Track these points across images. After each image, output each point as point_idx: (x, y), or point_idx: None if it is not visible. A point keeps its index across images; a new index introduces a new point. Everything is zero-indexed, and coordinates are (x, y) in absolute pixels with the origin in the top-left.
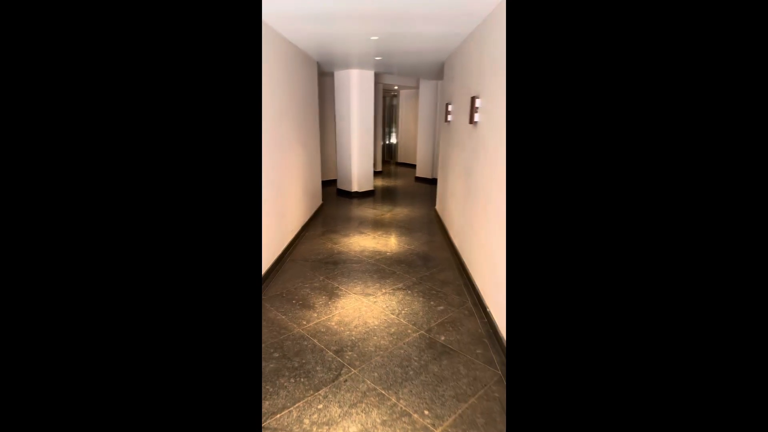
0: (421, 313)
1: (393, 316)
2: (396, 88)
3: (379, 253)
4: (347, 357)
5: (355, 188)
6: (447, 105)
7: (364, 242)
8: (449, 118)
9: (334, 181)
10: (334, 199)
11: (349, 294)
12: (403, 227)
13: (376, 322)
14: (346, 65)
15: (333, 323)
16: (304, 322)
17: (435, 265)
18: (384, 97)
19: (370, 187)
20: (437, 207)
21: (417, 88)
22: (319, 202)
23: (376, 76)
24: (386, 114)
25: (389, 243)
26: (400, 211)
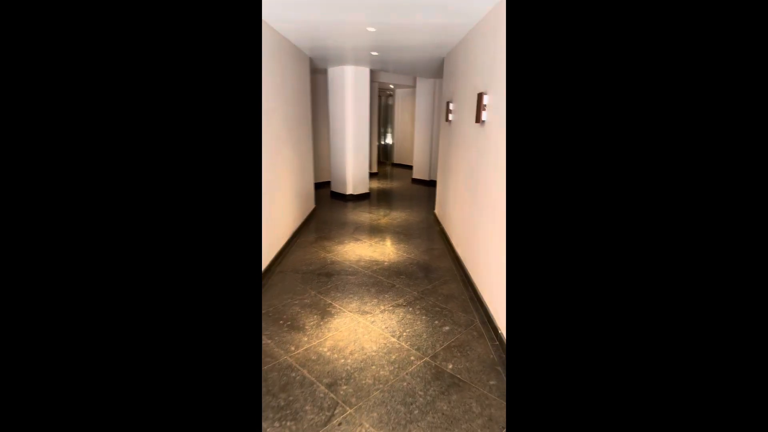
0: (424, 335)
1: (393, 339)
2: (392, 86)
3: (377, 262)
4: (342, 392)
5: (349, 191)
6: (448, 103)
7: (359, 250)
8: (450, 117)
9: (327, 183)
10: (327, 203)
11: (344, 312)
12: (401, 233)
13: (375, 347)
14: (341, 61)
15: (325, 349)
16: (293, 348)
17: (437, 276)
18: (379, 96)
19: (365, 190)
20: (436, 211)
21: (414, 86)
22: (312, 205)
23: (372, 74)
24: (382, 113)
25: (387, 251)
26: (398, 216)
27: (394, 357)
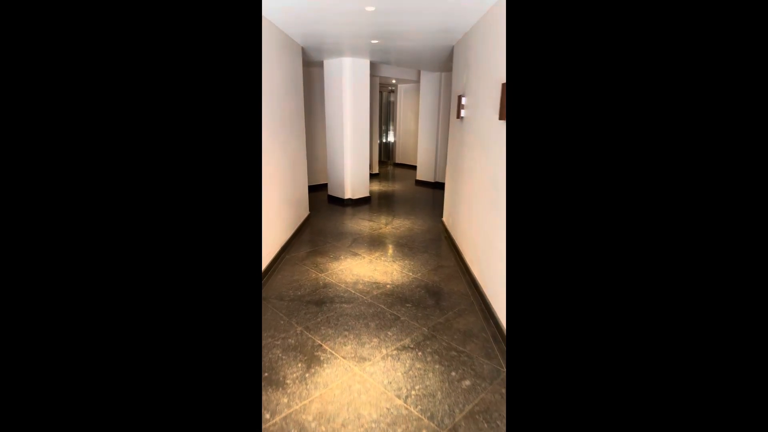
0: (439, 395)
1: (399, 402)
2: (393, 81)
3: (378, 285)
4: None
5: (348, 195)
6: (459, 98)
7: (358, 269)
8: (462, 113)
9: (324, 186)
10: (324, 208)
11: (336, 358)
12: (405, 246)
13: (375, 415)
14: (338, 52)
15: (310, 417)
16: (267, 416)
17: (450, 305)
18: (380, 92)
19: (365, 193)
20: (445, 219)
21: (417, 81)
22: (306, 212)
23: (372, 67)
24: (383, 110)
25: (389, 269)
26: (401, 224)
27: (400, 431)
